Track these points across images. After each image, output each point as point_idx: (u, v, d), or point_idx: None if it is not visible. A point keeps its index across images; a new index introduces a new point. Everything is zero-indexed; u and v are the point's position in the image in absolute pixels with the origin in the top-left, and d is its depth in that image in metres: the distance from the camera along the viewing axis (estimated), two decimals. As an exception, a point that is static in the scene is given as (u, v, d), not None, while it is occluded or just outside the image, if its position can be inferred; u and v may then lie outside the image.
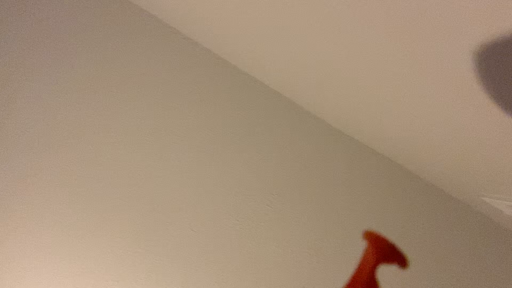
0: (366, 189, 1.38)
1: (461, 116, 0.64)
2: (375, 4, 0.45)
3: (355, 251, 1.38)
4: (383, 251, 0.42)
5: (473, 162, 0.85)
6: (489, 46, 0.37)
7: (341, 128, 1.38)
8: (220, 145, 1.39)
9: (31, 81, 1.36)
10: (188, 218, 1.35)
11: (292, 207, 1.37)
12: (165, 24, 1.41)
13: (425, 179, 1.37)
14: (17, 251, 1.30)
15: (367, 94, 0.85)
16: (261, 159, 1.38)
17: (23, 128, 1.34)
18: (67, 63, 1.38)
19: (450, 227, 1.36)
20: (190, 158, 1.37)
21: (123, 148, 1.36)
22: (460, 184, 1.14)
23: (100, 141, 1.36)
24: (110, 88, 1.38)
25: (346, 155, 1.39)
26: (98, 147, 1.35)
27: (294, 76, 1.09)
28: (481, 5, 0.33)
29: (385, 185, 1.38)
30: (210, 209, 1.36)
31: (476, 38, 0.38)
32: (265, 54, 1.05)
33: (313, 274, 1.35)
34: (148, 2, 1.30)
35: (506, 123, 0.55)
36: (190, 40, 1.41)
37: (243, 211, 1.36)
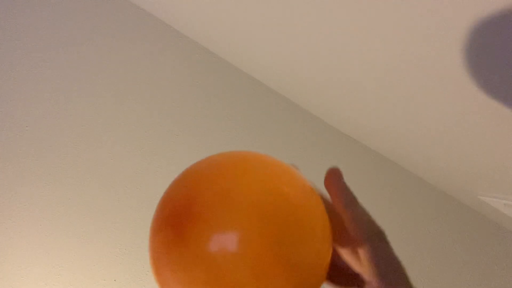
0: (364, 187, 1.38)
1: (458, 114, 0.64)
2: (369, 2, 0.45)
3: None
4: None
5: (470, 160, 0.85)
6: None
7: (339, 127, 1.38)
8: (219, 142, 1.38)
9: (32, 81, 1.35)
10: (185, 216, 1.35)
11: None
12: (164, 23, 1.41)
13: (421, 177, 1.37)
14: (14, 249, 1.30)
15: (368, 95, 0.85)
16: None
17: (23, 128, 1.34)
18: (67, 62, 1.38)
19: (447, 226, 1.36)
20: (188, 156, 1.37)
21: (122, 146, 1.36)
22: (457, 182, 1.14)
23: (99, 139, 1.35)
24: (110, 86, 1.38)
25: (345, 154, 1.39)
26: (97, 145, 1.35)
27: (293, 76, 1.09)
28: None
29: (383, 184, 1.38)
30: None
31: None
32: (266, 55, 1.05)
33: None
34: (151, 4, 1.29)
35: (503, 121, 0.55)
36: (190, 39, 1.41)
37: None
